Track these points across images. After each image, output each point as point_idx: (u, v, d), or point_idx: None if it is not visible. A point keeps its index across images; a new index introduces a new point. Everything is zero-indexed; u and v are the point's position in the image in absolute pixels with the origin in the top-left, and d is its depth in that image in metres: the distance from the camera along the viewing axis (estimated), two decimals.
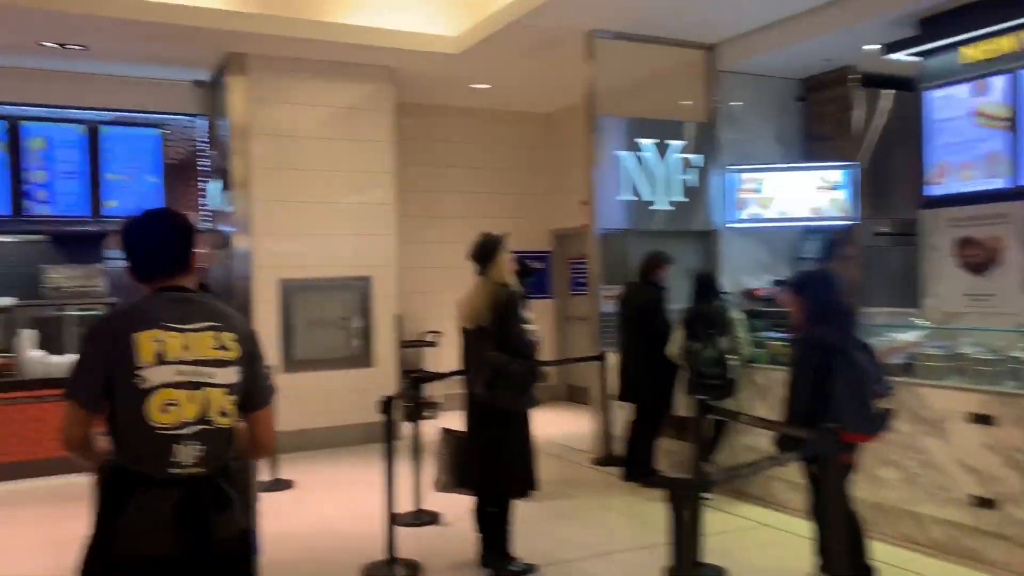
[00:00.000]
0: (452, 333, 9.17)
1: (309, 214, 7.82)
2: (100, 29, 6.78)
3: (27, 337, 7.06)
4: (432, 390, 7.15)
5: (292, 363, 7.71)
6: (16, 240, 8.61)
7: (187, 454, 2.16)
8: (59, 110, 8.04)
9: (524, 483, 4.42)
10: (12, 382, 6.80)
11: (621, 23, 6.98)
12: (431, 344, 9.03)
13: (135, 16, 6.52)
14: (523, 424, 4.41)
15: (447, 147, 9.70)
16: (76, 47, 7.19)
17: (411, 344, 8.83)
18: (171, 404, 2.15)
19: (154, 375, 2.14)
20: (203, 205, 8.62)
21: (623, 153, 7.22)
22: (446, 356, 8.98)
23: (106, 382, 2.16)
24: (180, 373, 2.17)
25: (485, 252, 4.42)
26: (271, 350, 7.59)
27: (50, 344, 7.30)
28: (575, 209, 9.29)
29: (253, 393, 2.33)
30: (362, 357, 8.04)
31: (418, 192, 9.24)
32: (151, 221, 2.37)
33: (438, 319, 9.29)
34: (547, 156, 10.27)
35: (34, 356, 6.98)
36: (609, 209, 7.18)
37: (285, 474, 6.48)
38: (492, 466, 4.34)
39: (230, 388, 2.24)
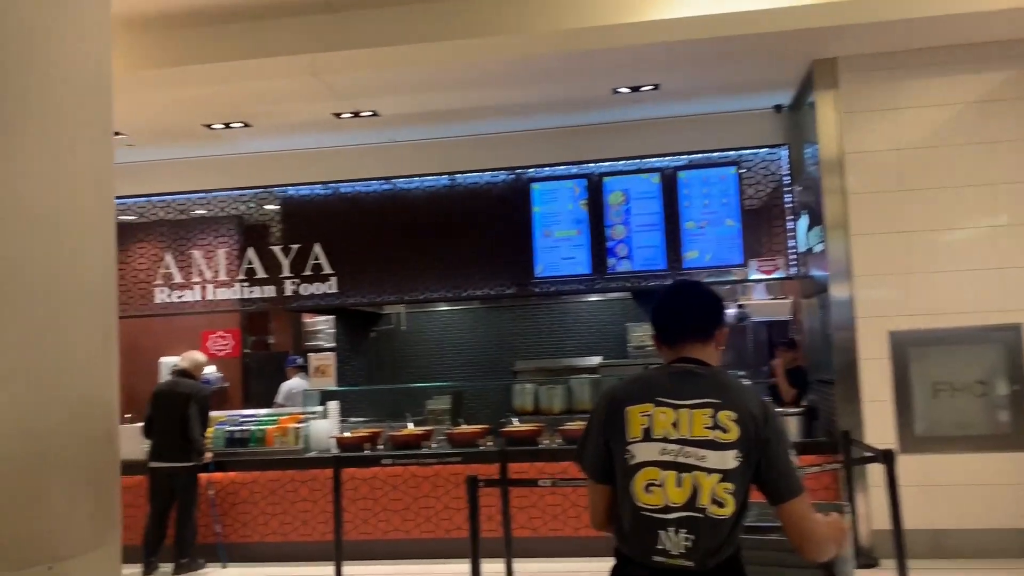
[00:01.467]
0: None
1: (924, 247, 6.11)
2: (672, 61, 6.17)
3: None
4: None
5: (912, 441, 5.97)
6: (599, 299, 8.65)
7: (674, 543, 2.02)
8: (635, 161, 7.71)
9: None
10: None
11: None
12: None
13: (709, 33, 5.68)
14: None
15: None
16: (648, 87, 6.72)
17: None
18: (654, 484, 2.05)
19: (640, 451, 2.09)
20: (791, 248, 7.41)
21: None
22: None
23: (608, 453, 2.14)
24: (664, 452, 2.06)
25: None
26: (884, 420, 6.00)
27: None
28: None
29: (771, 482, 2.06)
30: (1015, 435, 5.87)
31: None
32: (679, 291, 2.34)
33: None
34: None
35: None
36: None
37: None
38: None
39: (725, 474, 2.03)
